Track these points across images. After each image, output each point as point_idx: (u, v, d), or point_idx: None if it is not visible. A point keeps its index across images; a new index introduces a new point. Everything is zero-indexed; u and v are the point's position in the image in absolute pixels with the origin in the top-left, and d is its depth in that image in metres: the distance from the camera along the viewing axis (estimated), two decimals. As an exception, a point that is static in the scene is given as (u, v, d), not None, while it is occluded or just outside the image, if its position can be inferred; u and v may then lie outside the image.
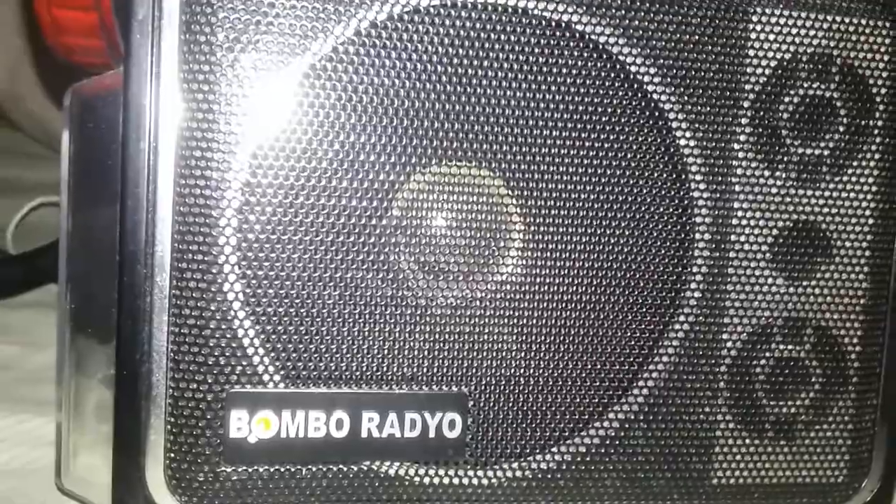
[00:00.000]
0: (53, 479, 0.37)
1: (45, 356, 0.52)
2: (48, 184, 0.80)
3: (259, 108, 0.32)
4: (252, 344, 0.32)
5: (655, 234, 0.35)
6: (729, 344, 0.36)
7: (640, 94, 0.34)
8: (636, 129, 0.35)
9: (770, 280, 0.36)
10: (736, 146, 0.35)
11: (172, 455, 0.32)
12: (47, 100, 0.97)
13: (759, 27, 0.35)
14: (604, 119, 0.34)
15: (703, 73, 0.35)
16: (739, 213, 0.36)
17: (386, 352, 0.34)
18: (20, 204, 0.73)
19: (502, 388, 0.35)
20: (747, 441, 0.37)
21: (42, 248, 0.61)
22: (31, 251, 0.62)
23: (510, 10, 0.33)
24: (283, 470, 0.33)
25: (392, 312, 0.34)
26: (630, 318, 0.35)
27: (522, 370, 0.35)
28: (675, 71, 0.34)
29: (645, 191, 0.35)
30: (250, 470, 0.33)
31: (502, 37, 0.33)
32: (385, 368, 0.34)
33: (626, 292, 0.35)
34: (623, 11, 0.34)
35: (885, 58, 0.36)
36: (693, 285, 0.36)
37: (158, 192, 0.32)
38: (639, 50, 0.34)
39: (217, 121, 0.32)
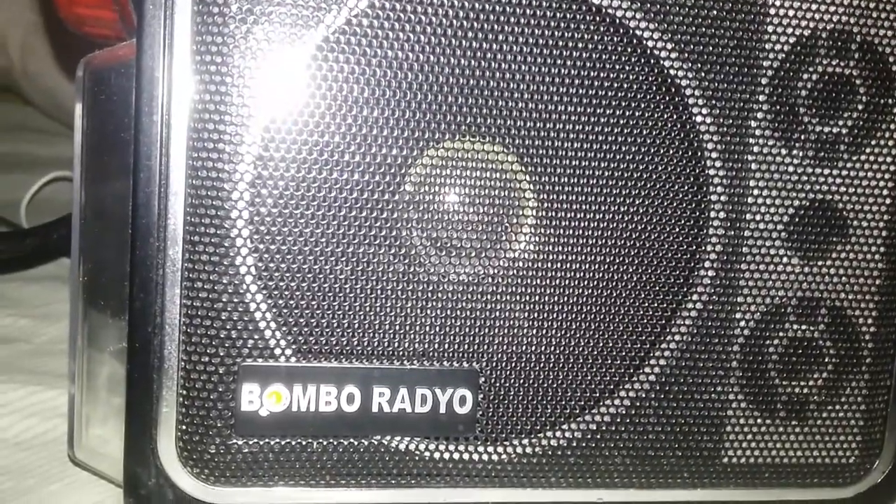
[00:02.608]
0: (65, 451, 0.37)
1: (58, 329, 0.52)
2: (61, 159, 0.81)
3: (272, 80, 0.32)
4: (264, 318, 0.32)
5: (670, 212, 0.35)
6: (742, 323, 0.36)
7: (656, 70, 0.34)
8: (652, 105, 0.34)
9: (785, 259, 0.36)
10: (753, 123, 0.35)
11: (184, 427, 0.33)
12: (60, 75, 0.97)
13: (778, 2, 0.35)
14: (619, 94, 0.34)
15: (720, 49, 0.34)
16: (755, 192, 0.35)
17: (397, 327, 0.34)
18: (34, 179, 0.73)
19: (513, 364, 0.35)
20: (759, 421, 0.37)
21: (55, 221, 0.61)
22: (43, 224, 0.62)
23: (526, -17, 0.33)
24: (293, 443, 0.33)
25: (404, 288, 0.34)
26: (643, 296, 0.35)
27: (534, 347, 0.35)
28: (692, 46, 0.34)
29: (660, 168, 0.35)
30: (261, 443, 0.33)
31: (518, 10, 0.33)
32: (396, 344, 0.34)
33: (640, 270, 0.35)
34: (640, -15, 0.33)
35: (906, 35, 0.36)
36: (707, 264, 0.35)
37: (171, 164, 0.31)
38: (656, 25, 0.34)
39: (230, 93, 0.31)
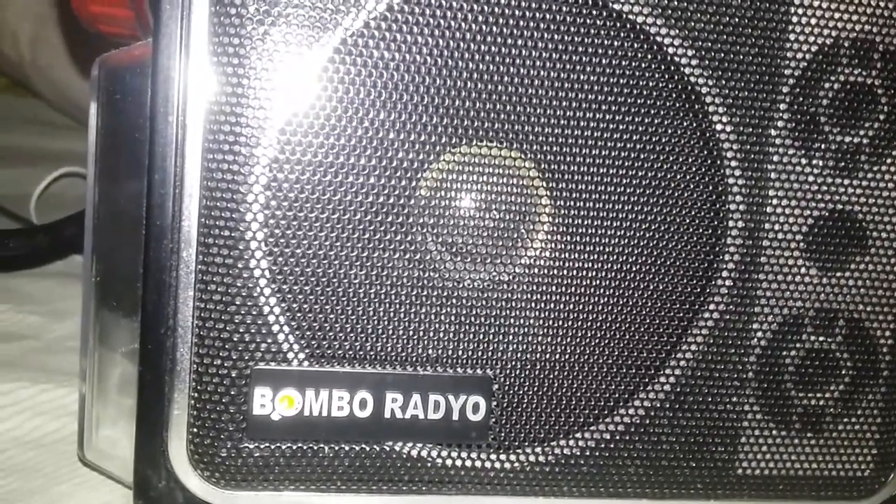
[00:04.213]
0: (74, 450, 0.37)
1: (67, 326, 0.52)
2: (72, 154, 0.81)
3: (289, 83, 0.31)
4: (277, 321, 0.32)
5: (688, 221, 0.34)
6: (759, 334, 0.36)
7: (676, 77, 0.34)
8: (672, 112, 0.34)
9: (803, 270, 0.36)
10: (773, 132, 0.35)
11: (195, 430, 0.32)
12: (71, 69, 0.97)
13: (800, 10, 0.34)
14: (639, 101, 0.33)
15: (742, 57, 0.34)
16: (774, 201, 0.35)
17: (411, 333, 0.33)
18: (44, 173, 0.73)
19: (527, 372, 0.34)
20: (774, 432, 0.36)
21: (66, 218, 0.61)
22: (55, 221, 0.62)
23: (546, -12, 0.32)
24: (305, 448, 0.33)
25: (418, 293, 0.33)
26: (659, 304, 0.35)
27: (548, 355, 0.34)
28: (713, 53, 0.34)
29: (678, 176, 0.34)
30: (273, 447, 0.33)
31: (537, 15, 0.32)
32: (410, 349, 0.33)
33: (656, 278, 0.35)
34: (662, -9, 0.33)
35: (929, 45, 0.35)
36: (724, 273, 0.35)
37: (186, 166, 0.31)
38: (677, 31, 0.33)
39: (246, 95, 0.31)
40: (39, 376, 0.45)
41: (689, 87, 0.34)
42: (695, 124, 0.34)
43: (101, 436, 0.35)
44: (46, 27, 0.99)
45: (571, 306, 0.34)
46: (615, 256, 0.34)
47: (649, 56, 0.33)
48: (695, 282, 0.35)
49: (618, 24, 0.33)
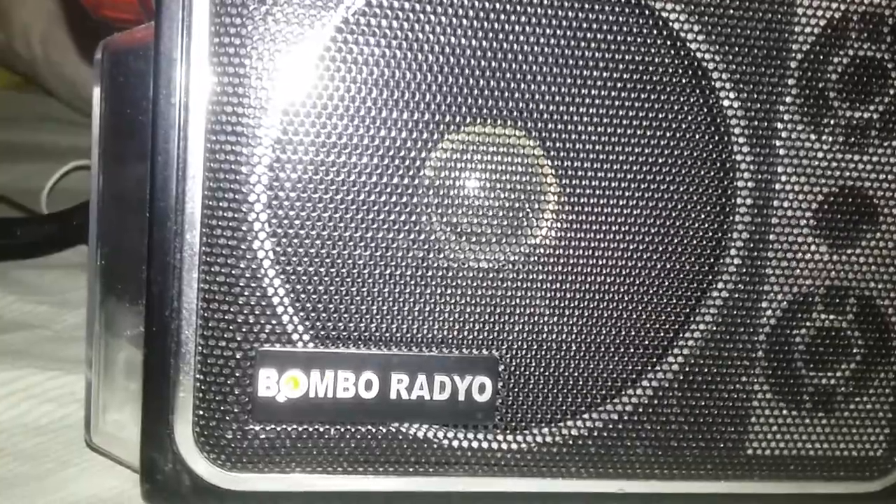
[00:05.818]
0: (83, 436, 0.37)
1: (77, 316, 0.52)
2: (83, 148, 0.81)
3: (291, 62, 0.31)
4: (282, 303, 0.32)
5: (695, 198, 0.34)
6: (768, 312, 0.35)
7: (682, 53, 0.33)
8: (678, 89, 0.33)
9: (813, 247, 0.35)
10: (781, 108, 0.34)
11: (201, 413, 0.32)
12: (82, 64, 0.97)
13: (808, -17, 0.34)
14: (644, 78, 0.33)
15: (748, 32, 0.33)
16: (783, 178, 0.35)
17: (416, 313, 0.33)
18: (55, 169, 0.73)
19: (534, 352, 0.34)
20: (784, 412, 0.36)
21: (74, 207, 0.61)
22: (63, 210, 0.62)
23: (549, -37, 0.32)
24: (311, 429, 0.33)
25: (423, 274, 0.33)
26: (667, 283, 0.34)
27: (555, 335, 0.34)
28: (719, 29, 0.33)
29: (686, 153, 0.34)
30: (278, 429, 0.33)
31: (541, -9, 0.32)
32: (415, 330, 0.33)
33: (664, 257, 0.34)
34: (666, -34, 0.33)
35: (940, 18, 0.35)
36: (733, 251, 0.35)
37: (189, 147, 0.31)
38: (682, 6, 0.33)
39: (248, 75, 0.31)
40: (48, 364, 0.45)
41: (696, 64, 0.33)
42: (702, 101, 0.34)
43: (107, 420, 0.35)
44: (58, 24, 0.99)
45: (578, 286, 0.34)
46: (622, 235, 0.34)
47: (654, 32, 0.33)
48: (703, 260, 0.35)
49: (623, 1, 0.33)
